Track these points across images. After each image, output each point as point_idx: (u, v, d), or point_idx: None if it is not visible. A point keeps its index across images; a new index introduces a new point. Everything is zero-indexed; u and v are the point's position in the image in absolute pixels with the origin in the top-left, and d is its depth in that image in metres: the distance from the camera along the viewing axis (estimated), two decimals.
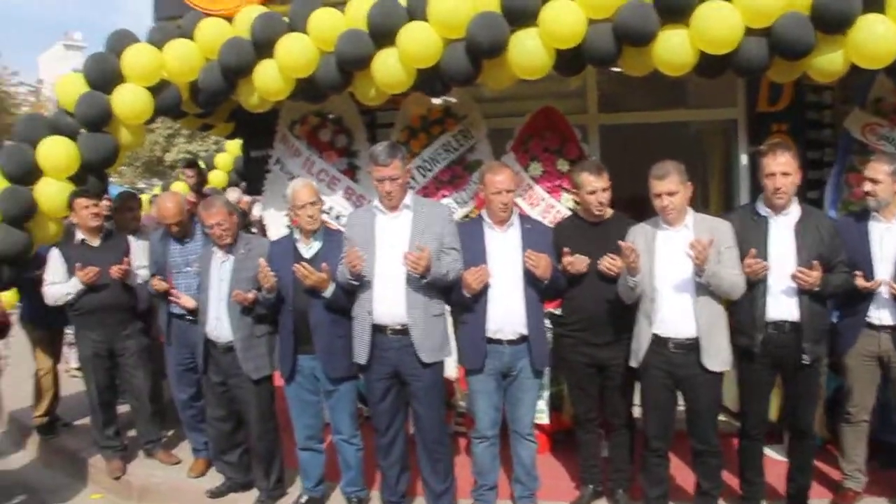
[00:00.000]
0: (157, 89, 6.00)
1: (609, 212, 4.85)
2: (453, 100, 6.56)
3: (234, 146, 10.72)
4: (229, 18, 6.00)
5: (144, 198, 12.06)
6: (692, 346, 4.39)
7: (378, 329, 4.60)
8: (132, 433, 6.53)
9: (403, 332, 4.55)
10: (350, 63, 5.42)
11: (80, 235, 5.95)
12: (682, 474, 5.16)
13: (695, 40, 4.66)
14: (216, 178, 11.21)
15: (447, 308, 4.78)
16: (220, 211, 5.09)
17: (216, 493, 5.60)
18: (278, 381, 5.20)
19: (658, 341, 4.46)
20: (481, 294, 4.60)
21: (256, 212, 8.98)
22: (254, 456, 5.46)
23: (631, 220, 4.80)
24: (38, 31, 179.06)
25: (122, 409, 6.47)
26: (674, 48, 4.73)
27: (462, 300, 4.62)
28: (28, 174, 5.80)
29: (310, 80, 5.64)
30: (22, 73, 38.85)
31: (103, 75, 5.96)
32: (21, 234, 5.76)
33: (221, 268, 5.18)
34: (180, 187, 10.11)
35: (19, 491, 6.22)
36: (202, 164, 11.23)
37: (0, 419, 5.36)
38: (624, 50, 4.87)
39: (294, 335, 4.90)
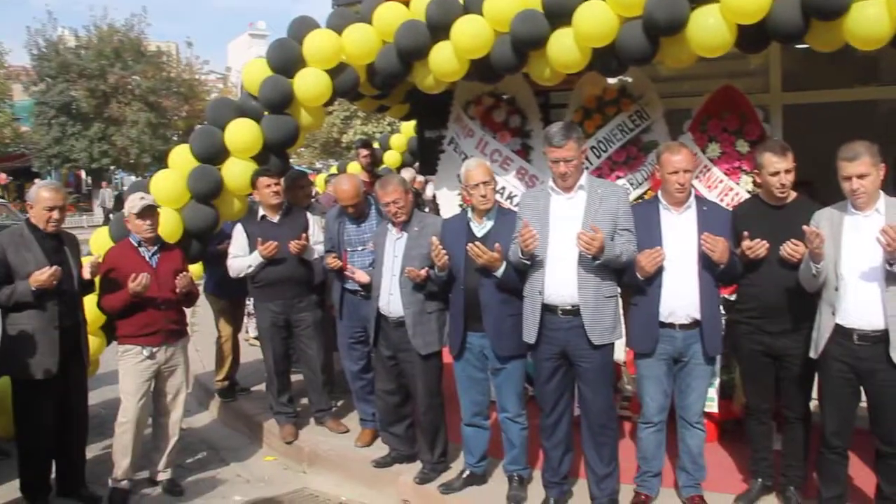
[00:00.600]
0: (335, 72, 6.21)
1: (792, 195, 4.64)
2: (629, 79, 6.45)
3: (408, 127, 10.92)
4: (406, 2, 6.12)
5: (321, 177, 12.48)
6: (879, 339, 4.11)
7: (548, 309, 4.59)
8: (304, 401, 6.81)
9: (574, 312, 4.52)
10: (525, 43, 5.43)
11: (261, 212, 6.24)
12: (862, 475, 4.87)
13: (894, 10, 4.36)
14: (390, 158, 11.45)
15: (619, 290, 4.72)
16: (396, 189, 5.22)
17: (381, 464, 5.76)
18: (446, 357, 5.29)
19: (841, 332, 4.23)
20: (655, 277, 4.52)
21: (429, 191, 9.15)
22: (419, 429, 5.58)
23: (816, 203, 4.58)
24: (226, 21, 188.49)
25: (296, 377, 6.77)
26: (868, 20, 4.43)
27: (635, 282, 4.56)
28: (216, 154, 6.14)
29: (484, 61, 5.70)
30: (212, 62, 40.98)
31: (285, 60, 6.22)
32: (209, 210, 6.12)
33: (395, 245, 5.32)
34: (355, 168, 10.40)
35: (203, 447, 6.66)
36: (377, 145, 11.50)
37: (187, 381, 5.71)
38: (812, 24, 4.63)
39: (464, 313, 4.96)
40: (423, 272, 5.06)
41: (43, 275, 4.81)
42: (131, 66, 33.60)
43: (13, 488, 5.35)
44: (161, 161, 34.87)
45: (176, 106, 35.64)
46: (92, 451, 5.80)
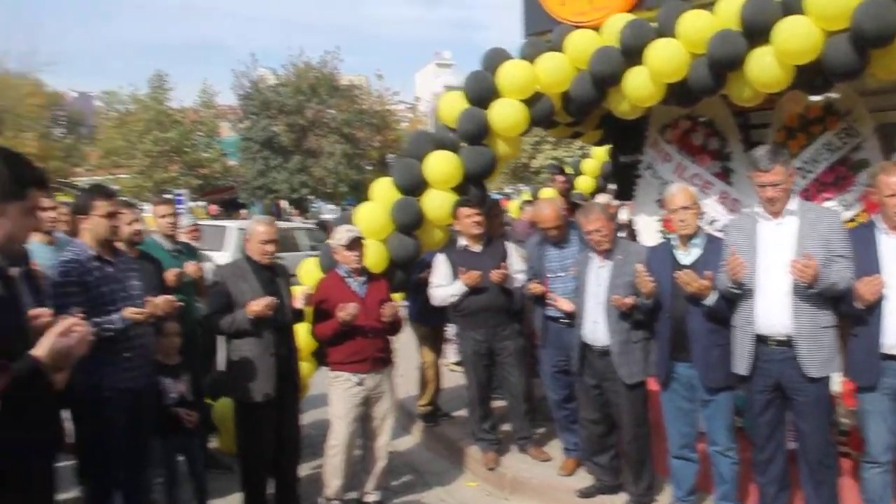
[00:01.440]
0: (530, 102, 6.26)
1: None
2: (835, 95, 6.13)
3: (600, 151, 10.86)
4: (597, 28, 6.11)
5: (514, 203, 12.57)
6: None
7: (760, 339, 4.43)
8: (506, 428, 6.86)
9: (787, 343, 4.34)
10: (723, 64, 5.30)
11: (462, 241, 6.37)
12: None
13: None
14: (583, 183, 11.42)
15: (836, 319, 4.46)
16: (598, 217, 5.21)
17: (586, 493, 5.71)
18: (652, 386, 5.19)
19: None
20: (875, 306, 4.25)
21: (622, 216, 9.05)
22: (625, 460, 5.50)
23: None
24: (412, 52, 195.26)
25: (497, 404, 6.83)
26: None
27: (853, 312, 4.31)
28: (416, 186, 6.34)
29: (681, 85, 5.59)
30: (401, 92, 42.42)
31: (481, 92, 6.34)
32: (411, 240, 6.32)
33: (599, 273, 5.30)
34: (549, 193, 10.43)
35: (407, 471, 6.83)
36: (569, 170, 11.50)
37: (393, 407, 5.90)
38: None
39: (671, 342, 4.87)
40: (628, 300, 5.01)
41: (259, 305, 5.11)
42: (326, 101, 35.20)
43: (235, 502, 5.70)
44: (356, 190, 36.37)
45: (369, 136, 37.03)
46: (303, 469, 6.06)
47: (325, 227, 19.30)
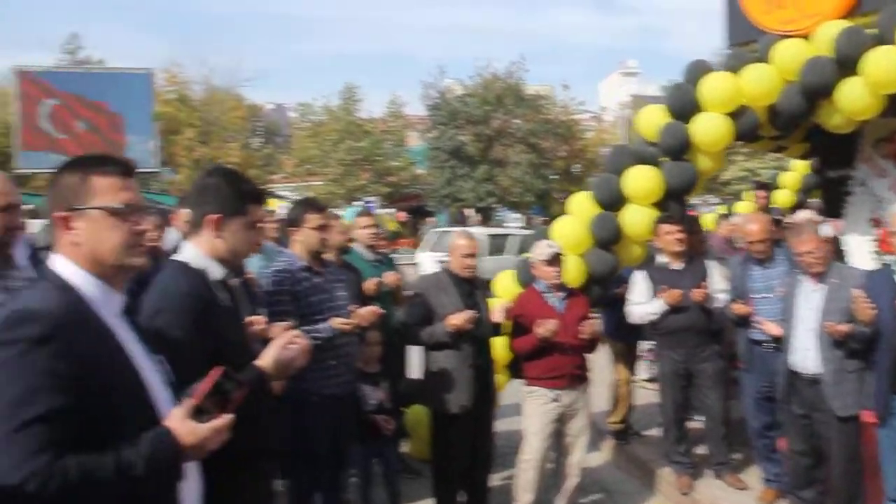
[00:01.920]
0: (735, 115, 6.07)
1: None
2: None
3: (801, 164, 10.35)
4: (806, 37, 5.84)
5: (709, 217, 12.20)
6: None
7: None
8: (701, 451, 6.65)
9: None
10: None
11: (662, 258, 6.24)
12: None
13: None
14: (782, 197, 10.92)
15: None
16: (811, 238, 4.96)
17: None
18: (868, 419, 4.88)
19: None
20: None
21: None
22: (832, 497, 5.20)
23: None
24: (597, 60, 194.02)
25: (692, 426, 6.63)
26: None
27: None
28: (616, 201, 6.27)
29: None
30: (585, 101, 42.18)
31: (683, 105, 6.20)
32: (609, 256, 6.26)
33: (810, 297, 5.04)
34: (745, 208, 10.06)
35: (596, 488, 6.73)
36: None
37: (588, 425, 5.85)
38: None
39: (890, 373, 4.55)
40: (844, 328, 4.73)
41: (459, 318, 5.19)
42: (512, 111, 35.48)
43: None
44: (542, 199, 36.48)
45: (554, 146, 37.00)
46: (494, 480, 6.07)
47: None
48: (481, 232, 20.50)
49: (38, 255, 5.00)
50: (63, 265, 2.11)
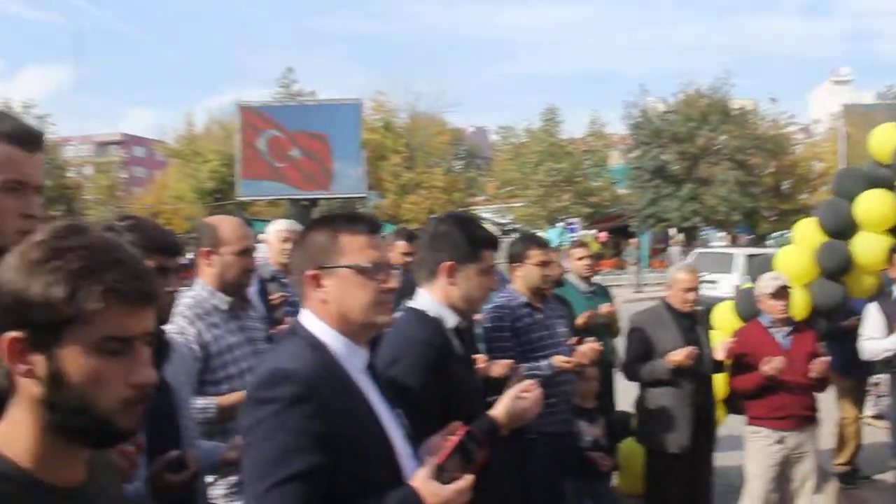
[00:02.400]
0: None
1: None
2: None
3: None
4: None
5: None
6: None
7: None
8: None
9: None
10: None
11: None
12: None
13: None
14: None
15: None
16: None
17: None
18: None
19: None
20: None
21: None
22: None
23: None
24: (805, 70, 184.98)
25: None
26: None
27: None
28: (845, 228, 5.87)
29: None
30: (795, 115, 40.37)
31: None
32: (837, 287, 5.87)
33: None
34: None
35: None
36: None
37: (816, 469, 5.46)
38: None
39: None
40: None
41: (679, 355, 4.99)
42: (718, 127, 34.39)
43: None
44: (749, 217, 35.08)
45: (762, 163, 35.52)
46: None
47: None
48: (739, 252, 20.02)
49: (265, 289, 5.29)
50: (312, 322, 2.16)
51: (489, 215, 41.04)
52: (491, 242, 2.98)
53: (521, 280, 4.80)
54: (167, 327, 2.97)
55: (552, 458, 4.67)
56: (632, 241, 34.86)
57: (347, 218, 2.23)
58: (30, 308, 1.28)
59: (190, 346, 3.31)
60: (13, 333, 1.29)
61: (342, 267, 2.13)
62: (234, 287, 3.57)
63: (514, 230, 40.13)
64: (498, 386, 3.79)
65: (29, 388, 1.32)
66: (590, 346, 4.86)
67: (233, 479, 3.23)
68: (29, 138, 1.88)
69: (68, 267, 1.29)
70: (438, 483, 1.99)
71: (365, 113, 32.04)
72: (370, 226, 2.23)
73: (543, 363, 4.58)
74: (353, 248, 2.15)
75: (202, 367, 3.37)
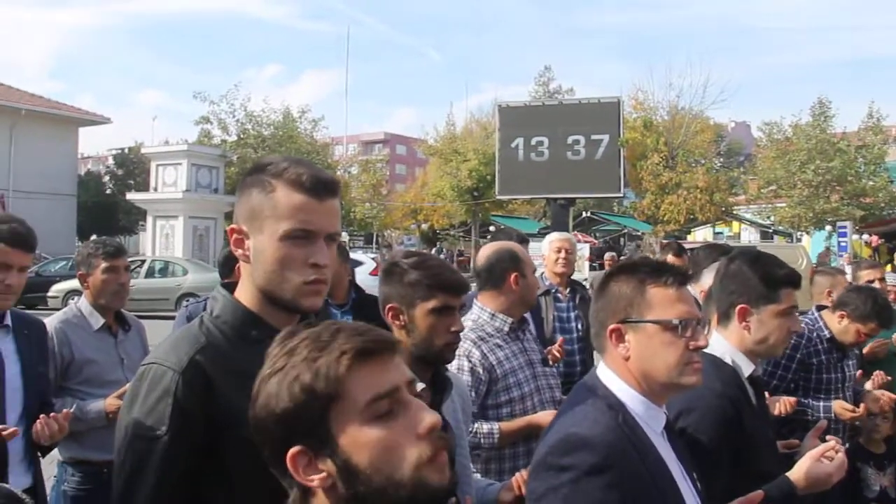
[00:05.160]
0: None
1: None
2: None
3: None
4: None
5: None
6: None
7: None
8: None
9: None
10: None
11: None
12: None
13: None
14: None
15: None
16: None
17: None
18: None
19: None
20: None
21: None
22: None
23: None
24: None
25: None
26: None
27: None
28: None
29: None
30: None
31: None
32: None
33: None
34: None
35: None
36: None
37: None
38: None
39: None
40: None
41: None
42: None
43: None
44: None
45: None
46: None
47: None
48: None
49: (538, 303, 5.32)
50: (611, 379, 2.07)
51: (751, 216, 39.13)
52: (791, 280, 2.76)
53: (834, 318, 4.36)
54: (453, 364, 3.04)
55: None
56: None
57: (655, 268, 2.11)
58: (290, 416, 1.27)
59: (475, 370, 3.37)
60: (294, 449, 1.27)
61: (650, 322, 2.03)
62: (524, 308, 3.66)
63: (778, 232, 38.01)
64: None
65: (324, 498, 1.29)
66: (887, 398, 4.44)
67: None
68: (318, 185, 1.85)
69: (300, 359, 1.28)
70: None
71: (626, 111, 31.55)
72: (679, 277, 2.10)
73: (820, 405, 4.12)
74: (662, 301, 2.03)
75: (486, 390, 3.42)
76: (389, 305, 2.55)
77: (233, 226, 1.91)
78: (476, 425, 3.32)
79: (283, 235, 1.81)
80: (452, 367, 3.23)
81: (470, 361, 3.38)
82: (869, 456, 4.84)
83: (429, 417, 1.30)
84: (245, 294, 1.91)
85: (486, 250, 3.77)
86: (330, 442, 1.27)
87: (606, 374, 2.09)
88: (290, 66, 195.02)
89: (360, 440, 1.26)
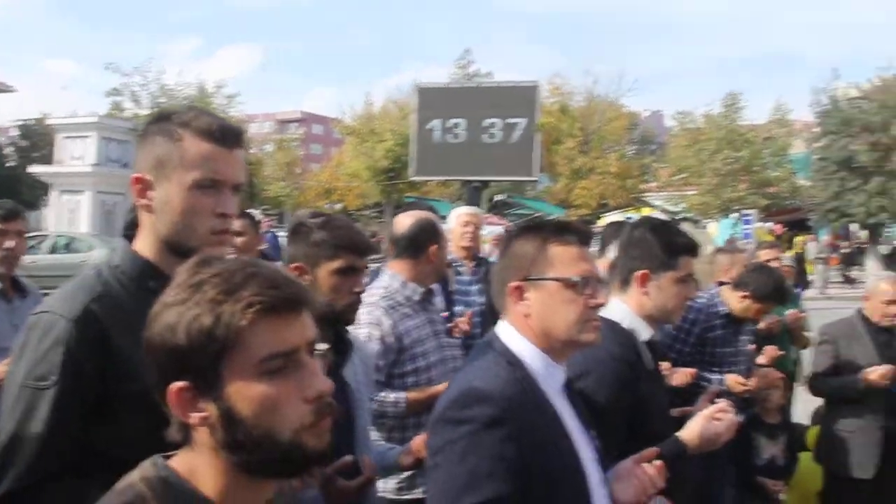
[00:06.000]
0: None
1: None
2: None
3: None
4: None
5: None
6: None
7: None
8: None
9: None
10: None
11: None
12: None
13: None
14: None
15: None
16: None
17: None
18: None
19: None
20: None
21: None
22: None
23: None
24: None
25: None
26: None
27: None
28: None
29: None
30: None
31: None
32: None
33: None
34: None
35: None
36: None
37: None
38: None
39: None
40: None
41: (875, 373, 4.68)
42: None
43: None
44: None
45: None
46: None
47: None
48: None
49: (444, 275, 5.33)
50: (511, 336, 2.07)
51: (661, 203, 40.04)
52: (689, 249, 2.82)
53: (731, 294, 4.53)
54: (359, 323, 3.04)
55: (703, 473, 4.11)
56: (809, 236, 33.04)
57: (558, 227, 2.11)
58: (183, 353, 1.25)
59: (385, 339, 3.38)
60: (178, 384, 1.26)
61: (550, 279, 2.03)
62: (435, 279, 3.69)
63: (686, 219, 39.05)
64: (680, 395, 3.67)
65: (206, 436, 1.28)
66: (768, 373, 4.64)
67: (405, 474, 3.27)
68: (226, 134, 1.85)
69: (205, 298, 1.25)
70: None
71: (543, 96, 31.83)
72: (581, 236, 2.10)
73: (715, 377, 4.28)
74: (563, 259, 2.03)
75: (394, 360, 3.43)
76: (294, 265, 2.53)
77: (136, 175, 1.87)
78: (383, 394, 3.33)
79: (192, 184, 1.80)
80: (363, 334, 3.27)
81: (381, 330, 3.39)
82: (762, 426, 5.05)
83: (319, 384, 1.30)
84: (145, 244, 1.88)
85: (407, 219, 3.76)
86: (217, 387, 1.26)
87: (507, 331, 2.09)
88: (208, 41, 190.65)
89: (246, 392, 1.25)
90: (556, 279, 2.03)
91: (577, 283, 2.02)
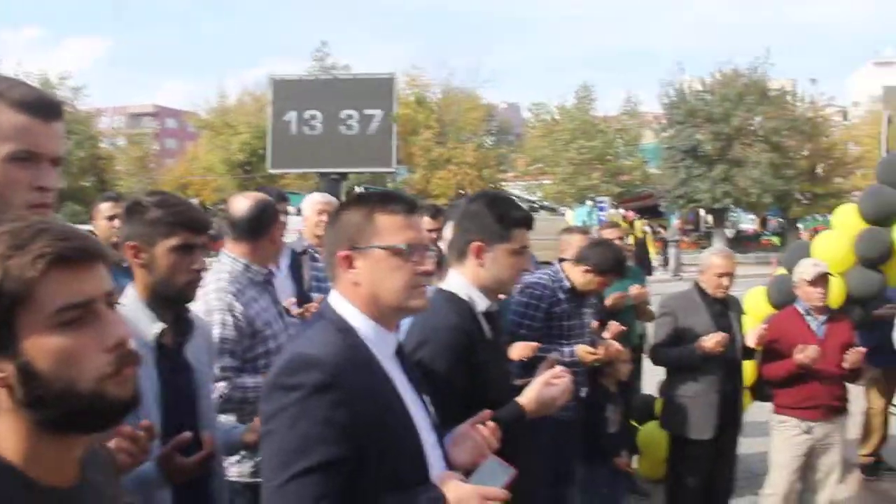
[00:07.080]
0: None
1: None
2: None
3: None
4: None
5: None
6: None
7: None
8: None
9: None
10: None
11: None
12: None
13: None
14: None
15: None
16: None
17: None
18: None
19: None
20: None
21: None
22: None
23: None
24: (847, 50, 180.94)
25: None
26: None
27: None
28: (888, 216, 5.71)
29: None
30: (830, 95, 39.78)
31: None
32: (875, 275, 5.74)
33: None
34: None
35: None
36: None
37: (842, 460, 5.36)
38: None
39: None
40: None
41: (710, 341, 4.89)
42: (754, 108, 33.92)
43: None
44: (782, 200, 34.60)
45: (797, 145, 35.04)
46: None
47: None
48: None
49: (298, 262, 5.24)
50: (341, 304, 2.08)
51: (518, 192, 40.91)
52: (523, 221, 2.86)
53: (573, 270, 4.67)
54: (198, 304, 2.94)
55: (553, 447, 4.41)
56: (660, 221, 34.54)
57: (384, 197, 2.14)
58: None
59: (239, 324, 3.31)
60: None
61: (376, 247, 2.04)
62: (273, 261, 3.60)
63: (543, 207, 40.02)
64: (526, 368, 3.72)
65: (4, 396, 1.24)
66: (614, 346, 4.77)
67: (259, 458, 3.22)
68: (43, 106, 1.80)
69: None
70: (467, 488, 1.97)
71: (400, 88, 31.86)
72: (407, 205, 2.13)
73: (566, 349, 4.45)
74: (389, 228, 2.05)
75: (248, 344, 3.37)
76: (129, 244, 2.49)
77: None
78: (240, 380, 3.28)
79: (7, 157, 1.75)
80: (216, 320, 3.22)
81: (233, 315, 3.32)
82: (609, 396, 5.18)
83: (117, 332, 1.28)
84: None
85: (248, 200, 3.62)
86: (11, 343, 1.22)
87: (337, 299, 2.10)
88: (51, 31, 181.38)
89: (43, 346, 1.22)
90: (383, 247, 2.04)
91: (403, 250, 2.04)
